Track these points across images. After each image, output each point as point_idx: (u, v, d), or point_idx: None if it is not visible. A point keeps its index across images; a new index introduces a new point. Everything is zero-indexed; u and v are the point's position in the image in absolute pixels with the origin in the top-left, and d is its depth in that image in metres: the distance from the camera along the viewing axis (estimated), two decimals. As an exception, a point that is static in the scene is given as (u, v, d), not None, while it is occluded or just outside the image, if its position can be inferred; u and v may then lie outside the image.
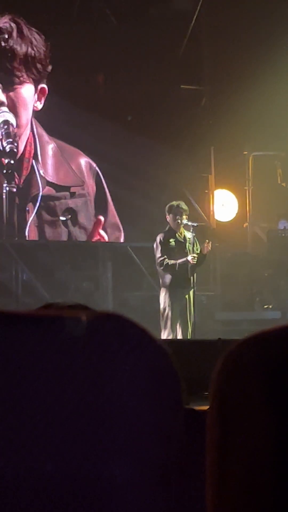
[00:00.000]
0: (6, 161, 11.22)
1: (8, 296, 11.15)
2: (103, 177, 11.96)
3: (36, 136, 11.64)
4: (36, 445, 0.79)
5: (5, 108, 11.35)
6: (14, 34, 11.30)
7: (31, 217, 11.46)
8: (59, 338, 0.80)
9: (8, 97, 11.37)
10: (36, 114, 11.66)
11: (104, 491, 0.80)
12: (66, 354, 0.80)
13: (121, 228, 11.99)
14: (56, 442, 0.79)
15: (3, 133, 11.28)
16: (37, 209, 11.50)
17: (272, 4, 12.19)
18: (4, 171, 11.24)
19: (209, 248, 10.00)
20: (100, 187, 11.96)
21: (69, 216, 11.73)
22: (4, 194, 11.25)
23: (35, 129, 11.64)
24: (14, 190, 11.31)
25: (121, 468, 0.80)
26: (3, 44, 11.25)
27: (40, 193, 11.50)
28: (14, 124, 11.38)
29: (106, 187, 11.96)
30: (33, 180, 11.53)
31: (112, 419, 0.80)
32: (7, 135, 11.28)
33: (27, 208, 11.47)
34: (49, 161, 11.70)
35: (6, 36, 11.26)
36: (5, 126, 11.30)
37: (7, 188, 11.25)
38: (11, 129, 11.33)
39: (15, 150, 11.31)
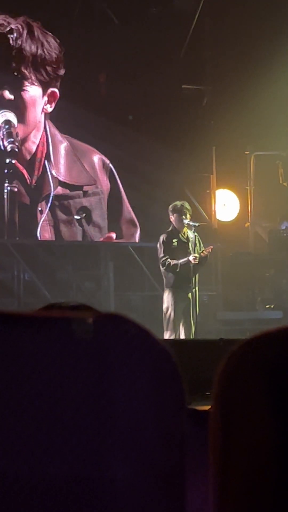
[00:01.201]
0: (8, 160, 11.22)
1: (10, 296, 11.15)
2: (117, 173, 11.99)
3: (49, 136, 11.66)
4: (39, 446, 0.79)
5: (6, 108, 11.37)
6: (24, 34, 11.37)
7: (43, 218, 11.48)
8: (62, 339, 0.80)
9: (15, 96, 11.40)
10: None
11: (106, 492, 0.80)
12: (68, 355, 0.80)
13: (137, 224, 11.98)
14: (59, 443, 0.79)
15: (4, 133, 11.28)
16: (50, 209, 11.52)
17: (273, 4, 12.19)
18: (6, 171, 11.24)
19: (210, 251, 10.00)
20: (114, 184, 11.97)
21: (84, 214, 11.74)
22: (5, 193, 11.25)
23: (48, 129, 11.66)
24: (16, 189, 11.31)
25: (123, 469, 0.81)
26: (12, 43, 11.31)
27: (52, 193, 11.51)
28: (16, 124, 11.39)
29: (120, 184, 11.97)
30: (45, 181, 11.56)
31: (114, 419, 0.80)
32: (9, 134, 11.28)
33: (39, 209, 11.50)
34: (62, 160, 11.72)
35: (15, 36, 11.32)
36: (6, 126, 11.31)
37: (8, 188, 11.25)
38: (12, 129, 11.34)
39: (16, 149, 11.31)
